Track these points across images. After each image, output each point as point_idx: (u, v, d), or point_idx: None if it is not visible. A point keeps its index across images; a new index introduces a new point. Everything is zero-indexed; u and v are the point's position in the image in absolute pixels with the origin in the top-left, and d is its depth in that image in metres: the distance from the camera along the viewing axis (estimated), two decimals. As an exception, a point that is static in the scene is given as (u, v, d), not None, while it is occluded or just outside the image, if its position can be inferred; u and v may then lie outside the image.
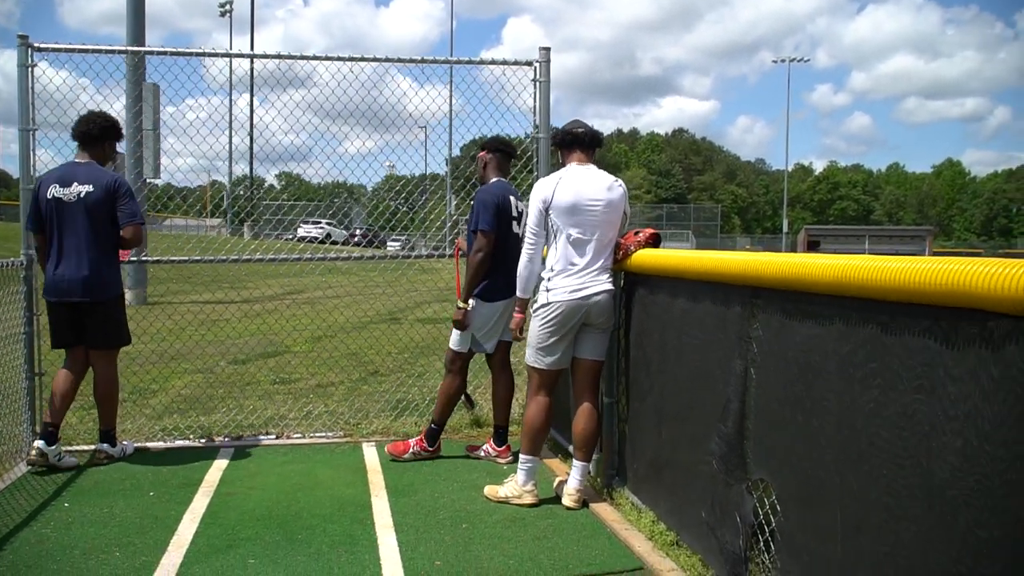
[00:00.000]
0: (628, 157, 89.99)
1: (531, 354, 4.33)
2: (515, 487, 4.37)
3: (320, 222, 13.21)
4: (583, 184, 4.16)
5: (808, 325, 2.73)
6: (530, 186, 5.78)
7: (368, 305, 11.04)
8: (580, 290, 4.18)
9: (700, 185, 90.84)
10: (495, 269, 4.88)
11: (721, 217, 76.22)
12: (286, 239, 7.81)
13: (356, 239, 12.88)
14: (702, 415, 3.44)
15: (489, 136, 5.32)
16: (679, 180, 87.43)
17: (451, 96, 8.47)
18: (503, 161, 5.13)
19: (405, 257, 6.39)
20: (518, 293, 4.37)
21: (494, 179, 5.05)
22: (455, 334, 5.02)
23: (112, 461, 5.05)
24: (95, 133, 4.89)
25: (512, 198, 5.01)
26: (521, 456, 4.40)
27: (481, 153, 5.14)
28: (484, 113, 5.89)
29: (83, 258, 4.72)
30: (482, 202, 4.86)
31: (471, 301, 4.89)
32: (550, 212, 4.14)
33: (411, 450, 5.19)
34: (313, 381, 7.61)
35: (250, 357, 8.85)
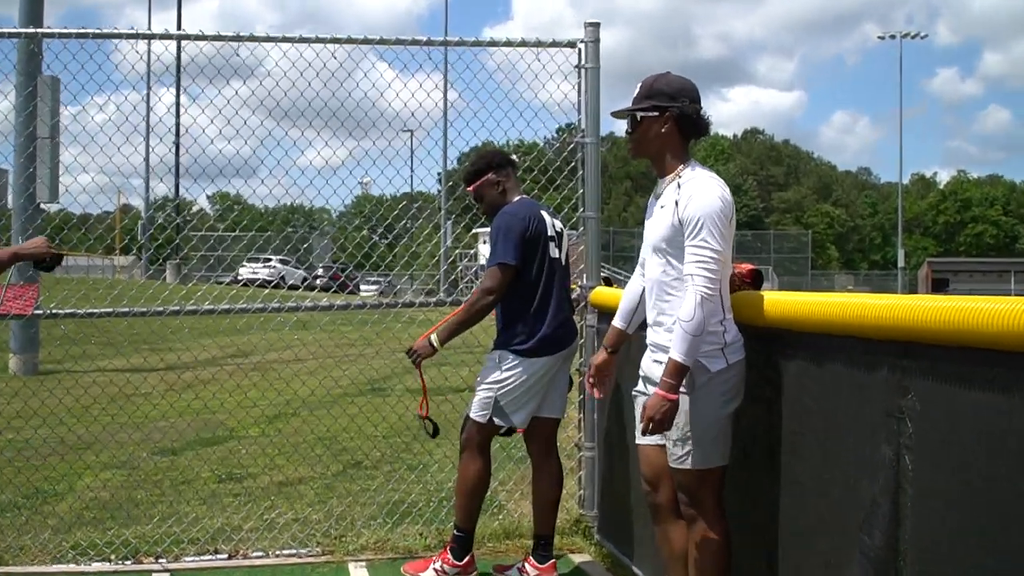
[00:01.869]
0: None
1: (703, 452, 3.86)
2: None
3: (270, 259, 13.37)
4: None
5: (990, 395, 2.69)
6: (573, 207, 5.84)
7: (341, 371, 11.01)
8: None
9: (782, 204, 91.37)
10: (535, 314, 5.07)
11: (812, 247, 76.41)
12: (224, 283, 7.86)
13: (319, 281, 12.89)
14: (836, 524, 3.38)
15: (481, 150, 5.58)
16: (753, 198, 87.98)
17: (446, 89, 8.61)
18: (514, 173, 5.35)
19: (383, 306, 6.40)
20: (683, 357, 3.68)
21: (517, 198, 5.23)
22: (476, 399, 5.14)
23: None
24: None
25: (546, 215, 5.21)
26: None
27: (487, 176, 5.28)
28: (489, 110, 6.03)
29: None
30: (503, 227, 5.04)
31: (512, 358, 5.02)
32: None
33: (432, 566, 5.21)
34: (275, 477, 7.58)
35: (184, 445, 8.83)
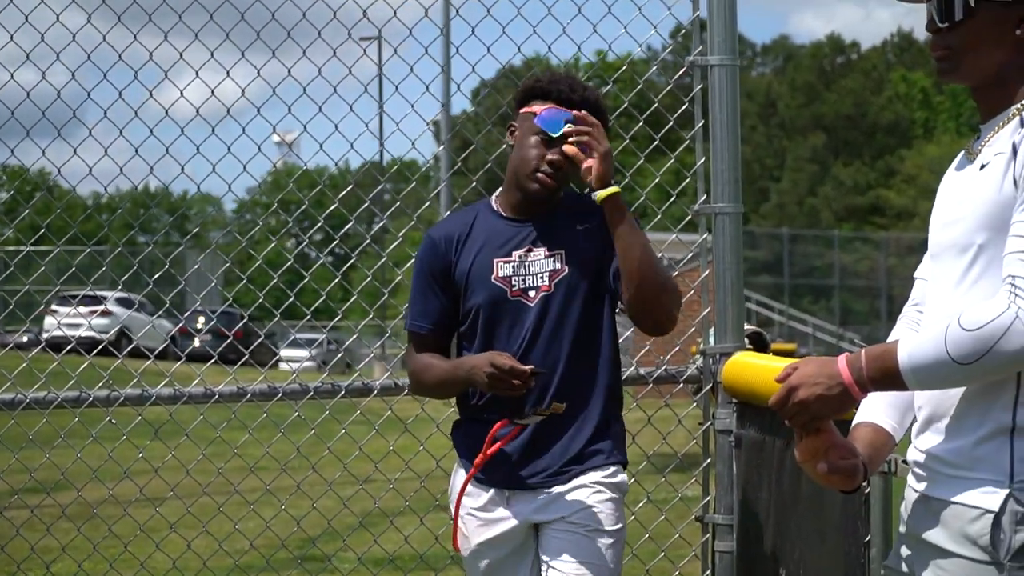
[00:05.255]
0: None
1: None
2: None
3: (100, 297, 9.72)
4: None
5: None
6: (673, 193, 4.35)
7: (248, 520, 6.00)
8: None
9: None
10: None
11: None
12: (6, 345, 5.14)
13: (198, 341, 9.25)
14: None
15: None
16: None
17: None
18: None
19: (323, 391, 3.98)
20: (912, 360, 2.20)
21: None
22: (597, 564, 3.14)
23: None
24: None
25: None
26: None
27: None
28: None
29: None
30: None
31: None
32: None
33: None
34: None
35: None
